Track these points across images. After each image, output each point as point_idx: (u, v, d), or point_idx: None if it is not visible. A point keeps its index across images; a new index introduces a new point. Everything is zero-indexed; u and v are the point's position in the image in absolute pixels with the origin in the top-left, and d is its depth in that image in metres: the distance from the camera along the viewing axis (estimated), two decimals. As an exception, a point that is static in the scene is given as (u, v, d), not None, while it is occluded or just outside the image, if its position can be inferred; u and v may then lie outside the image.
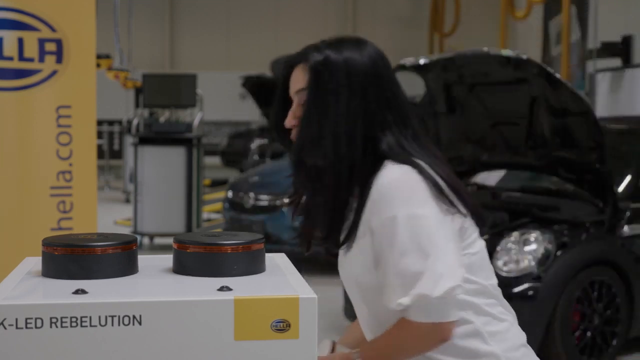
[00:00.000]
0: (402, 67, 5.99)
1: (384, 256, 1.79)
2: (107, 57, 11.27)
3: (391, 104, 1.89)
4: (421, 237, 1.75)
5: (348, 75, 1.87)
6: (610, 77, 12.21)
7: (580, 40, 14.25)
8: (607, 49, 12.05)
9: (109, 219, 11.12)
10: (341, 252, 1.93)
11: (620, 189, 5.53)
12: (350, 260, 1.89)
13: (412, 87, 8.14)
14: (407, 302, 1.74)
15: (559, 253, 4.99)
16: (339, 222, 1.87)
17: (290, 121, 1.92)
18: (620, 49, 11.87)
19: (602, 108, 11.84)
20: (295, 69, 1.94)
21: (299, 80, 1.92)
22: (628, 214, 5.34)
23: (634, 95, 11.35)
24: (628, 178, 5.64)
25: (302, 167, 1.88)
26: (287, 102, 1.96)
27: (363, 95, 1.86)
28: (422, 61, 5.94)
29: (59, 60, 3.82)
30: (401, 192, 1.79)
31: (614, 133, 6.05)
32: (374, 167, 1.84)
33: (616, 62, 12.02)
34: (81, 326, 1.38)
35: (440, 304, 1.75)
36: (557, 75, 5.00)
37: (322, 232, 1.90)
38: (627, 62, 11.80)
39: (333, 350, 1.94)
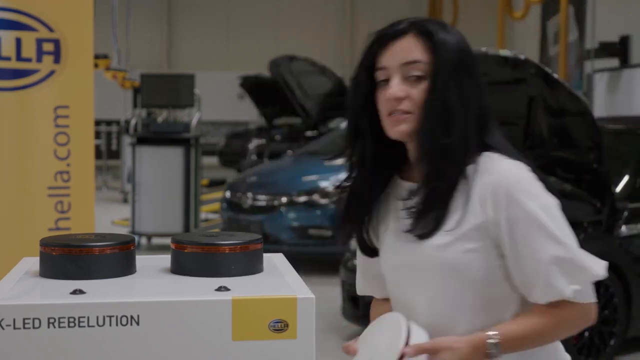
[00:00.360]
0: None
1: (528, 247, 1.74)
2: (105, 57, 11.26)
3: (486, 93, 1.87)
4: (561, 224, 1.77)
5: (464, 56, 1.83)
6: (608, 77, 12.22)
7: (578, 40, 14.26)
8: (605, 49, 12.06)
9: (107, 219, 11.11)
10: (404, 239, 1.82)
11: (618, 189, 5.54)
12: (435, 248, 1.79)
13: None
14: (580, 287, 1.74)
15: (556, 253, 4.98)
16: (443, 206, 1.80)
17: (398, 92, 1.80)
18: (618, 49, 11.88)
19: (600, 108, 11.85)
20: (402, 39, 1.83)
21: (411, 50, 1.82)
22: (626, 213, 5.34)
23: (631, 95, 11.36)
24: (626, 178, 5.64)
25: (429, 146, 1.79)
26: (371, 76, 1.85)
27: (475, 80, 1.84)
28: (420, 61, 5.92)
29: (57, 60, 3.82)
30: (531, 184, 1.78)
31: (611, 133, 6.05)
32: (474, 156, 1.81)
33: (614, 62, 12.03)
34: (79, 326, 1.38)
35: (593, 284, 1.78)
36: (555, 75, 5.00)
37: (421, 216, 1.79)
38: (625, 62, 11.81)
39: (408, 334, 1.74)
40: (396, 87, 1.81)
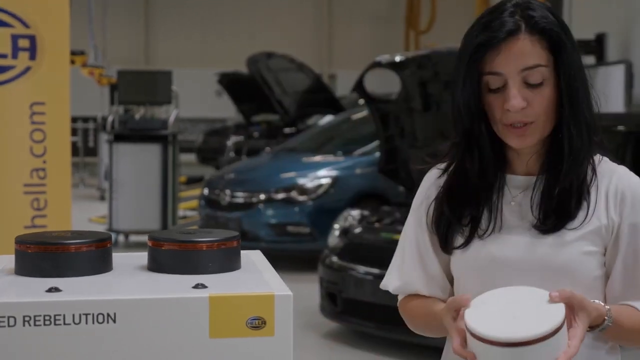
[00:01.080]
0: (378, 64, 5.99)
1: None
2: (82, 53, 11.21)
3: None
4: None
5: (575, 45, 1.72)
6: (585, 75, 12.26)
7: (555, 37, 14.32)
8: (581, 47, 12.10)
9: (84, 216, 11.05)
10: (515, 234, 1.75)
11: (594, 185, 5.57)
12: (554, 245, 1.71)
13: (388, 84, 8.15)
14: None
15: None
16: (575, 202, 1.73)
17: (521, 103, 1.67)
18: (594, 47, 11.95)
19: (577, 105, 11.91)
20: (517, 40, 1.67)
21: (529, 53, 1.68)
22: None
23: (607, 92, 11.43)
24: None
25: (568, 153, 1.71)
26: (477, 81, 1.71)
27: (583, 66, 1.74)
28: (397, 58, 5.95)
29: (33, 56, 3.79)
30: None
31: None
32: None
33: (590, 59, 12.10)
34: (55, 324, 1.37)
35: None
36: (532, 73, 5.01)
37: (551, 210, 1.72)
38: (601, 60, 11.89)
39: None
40: (518, 98, 1.67)
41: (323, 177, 8.45)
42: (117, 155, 9.63)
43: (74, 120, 16.27)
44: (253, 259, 1.74)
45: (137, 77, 10.52)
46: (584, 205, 1.72)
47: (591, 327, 1.65)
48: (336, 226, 6.37)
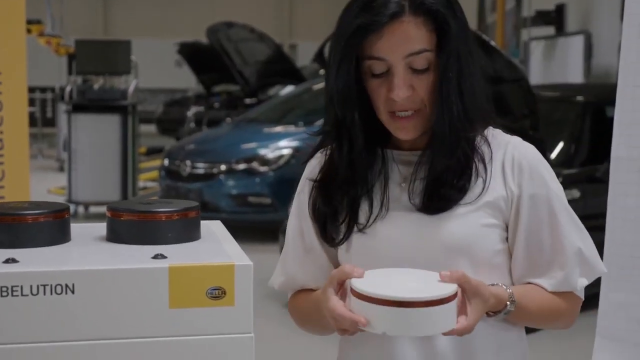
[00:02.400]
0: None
1: (550, 231, 1.63)
2: (39, 22, 11.04)
3: None
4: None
5: (465, 23, 1.62)
6: (544, 45, 12.38)
7: (515, 8, 14.40)
8: (541, 17, 12.21)
9: (43, 187, 10.95)
10: (407, 213, 1.64)
11: (553, 155, 5.63)
12: (448, 220, 1.61)
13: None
14: (587, 282, 1.65)
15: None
16: (463, 177, 1.63)
17: (406, 92, 1.57)
18: (554, 18, 12.04)
19: (536, 75, 12.02)
20: (400, 23, 1.55)
21: (414, 37, 1.55)
22: (560, 180, 5.44)
23: (566, 63, 11.53)
24: (560, 145, 5.74)
25: (448, 138, 1.60)
26: (354, 67, 1.59)
27: (474, 48, 1.64)
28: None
29: (-12, 25, 3.73)
30: (548, 166, 1.68)
31: (546, 100, 6.14)
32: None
33: (549, 30, 12.19)
34: (12, 296, 1.36)
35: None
36: (492, 43, 5.05)
37: (438, 188, 1.61)
38: (560, 31, 11.97)
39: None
40: (403, 88, 1.57)
41: (284, 147, 8.45)
42: (76, 125, 9.53)
43: (32, 90, 16.07)
44: (213, 229, 1.73)
45: (96, 47, 10.39)
46: (479, 181, 1.62)
47: (494, 312, 1.57)
48: (297, 197, 6.37)
